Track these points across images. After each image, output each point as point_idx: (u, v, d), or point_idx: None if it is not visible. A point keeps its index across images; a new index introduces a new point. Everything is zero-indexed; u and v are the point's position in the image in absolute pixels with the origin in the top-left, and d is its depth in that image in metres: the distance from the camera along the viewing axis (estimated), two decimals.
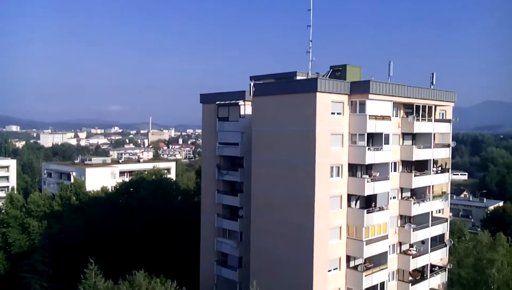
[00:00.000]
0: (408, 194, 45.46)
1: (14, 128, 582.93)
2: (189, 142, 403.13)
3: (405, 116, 43.53)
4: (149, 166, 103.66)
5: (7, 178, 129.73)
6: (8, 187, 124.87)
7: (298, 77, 42.01)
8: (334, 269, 38.46)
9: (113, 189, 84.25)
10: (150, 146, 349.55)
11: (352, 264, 39.77)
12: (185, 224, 63.07)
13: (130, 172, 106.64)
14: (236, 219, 45.77)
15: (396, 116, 42.76)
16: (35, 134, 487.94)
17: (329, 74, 42.80)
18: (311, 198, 36.24)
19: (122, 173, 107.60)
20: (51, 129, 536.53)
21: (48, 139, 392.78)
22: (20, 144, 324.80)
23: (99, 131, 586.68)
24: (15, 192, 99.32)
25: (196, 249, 51.90)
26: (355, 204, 40.01)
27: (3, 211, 73.10)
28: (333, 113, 37.63)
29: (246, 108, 45.03)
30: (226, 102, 46.50)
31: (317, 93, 35.92)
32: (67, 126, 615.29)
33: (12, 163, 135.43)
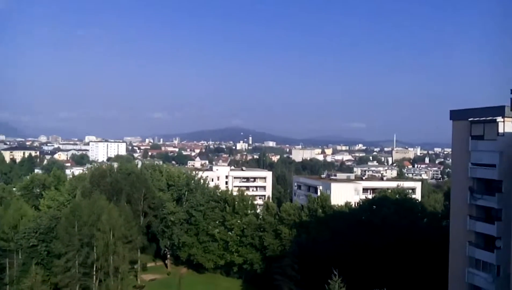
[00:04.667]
0: None
1: (271, 143, 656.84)
2: (436, 162, 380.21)
3: None
4: (393, 184, 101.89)
5: (264, 187, 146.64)
6: (265, 195, 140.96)
7: None
8: None
9: (356, 205, 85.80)
10: (394, 164, 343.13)
11: None
12: (431, 247, 59.30)
13: (373, 189, 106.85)
14: (492, 250, 40.52)
15: None
16: (287, 149, 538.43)
17: None
18: None
19: (365, 190, 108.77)
20: (302, 145, 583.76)
21: (298, 154, 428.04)
22: (275, 158, 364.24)
23: (343, 148, 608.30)
24: (270, 201, 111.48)
25: (443, 276, 48.09)
26: None
27: (260, 217, 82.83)
28: None
29: (505, 125, 39.81)
30: (481, 118, 42.02)
31: None
32: (315, 142, 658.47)
33: (268, 174, 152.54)
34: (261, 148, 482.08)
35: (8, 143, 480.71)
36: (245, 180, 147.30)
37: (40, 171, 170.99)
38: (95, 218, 61.66)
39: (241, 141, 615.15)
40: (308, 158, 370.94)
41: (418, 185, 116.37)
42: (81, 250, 60.13)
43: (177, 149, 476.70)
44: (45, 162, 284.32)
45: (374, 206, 77.63)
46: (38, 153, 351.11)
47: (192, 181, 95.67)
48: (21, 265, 63.30)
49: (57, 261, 59.21)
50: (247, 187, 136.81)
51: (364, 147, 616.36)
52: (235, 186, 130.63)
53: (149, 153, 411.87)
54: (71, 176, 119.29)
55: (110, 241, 61.34)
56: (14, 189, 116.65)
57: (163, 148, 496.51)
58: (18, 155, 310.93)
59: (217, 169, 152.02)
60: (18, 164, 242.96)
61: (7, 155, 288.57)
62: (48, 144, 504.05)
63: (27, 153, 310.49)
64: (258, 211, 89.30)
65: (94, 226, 60.99)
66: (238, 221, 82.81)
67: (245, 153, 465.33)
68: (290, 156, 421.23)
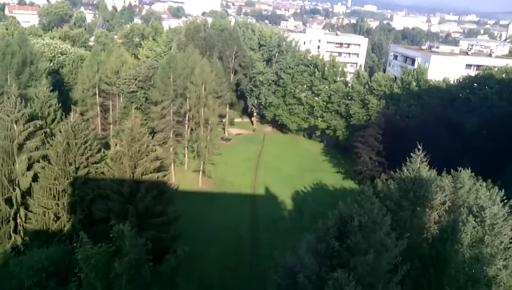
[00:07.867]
0: None
1: (372, 8, 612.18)
2: None
3: None
4: (501, 62, 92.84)
5: (357, 55, 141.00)
6: (357, 63, 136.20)
7: None
8: None
9: (455, 81, 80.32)
10: (508, 40, 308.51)
11: None
12: None
13: (478, 66, 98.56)
14: None
15: None
16: (389, 16, 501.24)
17: None
18: None
19: (468, 66, 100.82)
20: (405, 11, 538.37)
21: (400, 22, 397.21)
22: (374, 24, 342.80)
23: (453, 17, 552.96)
24: (362, 69, 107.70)
25: None
26: None
27: (349, 85, 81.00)
28: None
29: None
30: None
31: None
32: (421, 9, 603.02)
33: (364, 41, 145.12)
34: (360, 12, 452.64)
35: None
36: (338, 45, 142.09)
37: (139, 21, 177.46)
38: (188, 71, 63.96)
39: (339, 3, 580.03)
40: (410, 27, 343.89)
41: None
42: (176, 100, 63.81)
43: (271, 8, 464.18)
44: (144, 12, 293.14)
45: (476, 84, 72.06)
46: (137, 2, 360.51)
47: (284, 43, 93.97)
48: (123, 108, 69.33)
49: (154, 108, 63.77)
50: (339, 53, 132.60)
51: (476, 19, 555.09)
52: (327, 51, 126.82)
53: (243, 10, 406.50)
54: (167, 28, 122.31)
55: (201, 94, 64.12)
56: (115, 36, 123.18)
57: (257, 6, 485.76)
58: (119, 4, 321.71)
59: (310, 32, 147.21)
60: (119, 12, 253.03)
61: (109, 3, 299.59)
62: None
63: (127, 1, 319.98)
64: (348, 78, 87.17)
65: (188, 79, 63.54)
66: (326, 87, 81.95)
67: (342, 16, 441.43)
68: (391, 22, 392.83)
